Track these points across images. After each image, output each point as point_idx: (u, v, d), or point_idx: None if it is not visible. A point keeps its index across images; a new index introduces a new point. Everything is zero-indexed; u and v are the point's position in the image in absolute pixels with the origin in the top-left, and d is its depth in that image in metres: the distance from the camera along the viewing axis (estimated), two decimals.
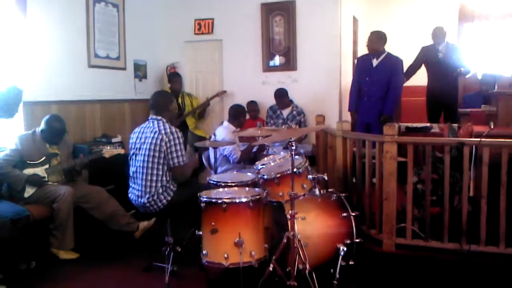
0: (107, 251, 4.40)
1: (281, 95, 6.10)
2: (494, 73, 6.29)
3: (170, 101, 3.92)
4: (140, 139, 3.74)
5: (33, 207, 4.07)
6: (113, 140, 5.45)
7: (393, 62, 5.54)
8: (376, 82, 5.53)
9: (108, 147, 4.50)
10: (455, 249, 3.57)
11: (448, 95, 6.23)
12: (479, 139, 3.46)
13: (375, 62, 5.58)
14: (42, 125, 4.39)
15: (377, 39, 5.57)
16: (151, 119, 3.78)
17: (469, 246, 3.49)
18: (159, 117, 3.76)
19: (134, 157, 3.78)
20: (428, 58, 6.30)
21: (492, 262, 3.44)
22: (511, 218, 3.44)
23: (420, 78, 6.56)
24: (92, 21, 5.60)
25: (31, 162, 4.30)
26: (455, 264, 3.49)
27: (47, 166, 4.36)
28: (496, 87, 5.13)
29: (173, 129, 3.71)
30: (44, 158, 4.36)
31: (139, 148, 3.72)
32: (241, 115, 5.18)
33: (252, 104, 6.40)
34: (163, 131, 3.65)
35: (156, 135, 3.64)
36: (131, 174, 3.82)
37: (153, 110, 3.81)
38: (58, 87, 5.15)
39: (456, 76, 6.20)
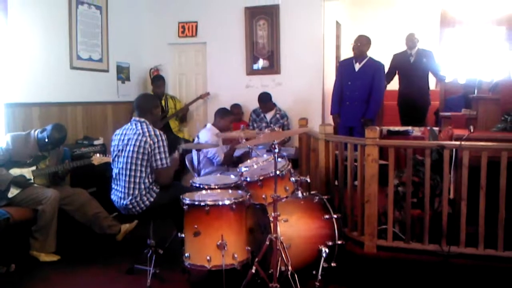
0: (88, 254, 4.35)
1: (265, 99, 6.12)
2: (476, 78, 6.38)
3: (155, 105, 3.92)
4: (123, 141, 3.72)
5: (14, 209, 4.03)
6: (95, 142, 5.42)
7: (375, 66, 5.60)
8: (358, 86, 5.58)
9: (98, 154, 4.46)
10: (435, 251, 3.61)
11: (419, 99, 6.37)
12: (459, 143, 3.51)
13: (357, 66, 5.64)
14: (45, 132, 4.35)
15: (366, 42, 5.63)
16: (133, 120, 3.76)
17: (449, 247, 3.54)
18: (142, 119, 3.74)
19: (116, 158, 3.76)
20: (400, 63, 6.44)
21: (471, 263, 3.49)
22: (490, 220, 3.49)
23: None
24: (75, 22, 5.56)
25: (19, 163, 4.26)
26: (435, 266, 3.54)
27: (34, 168, 4.32)
28: (476, 91, 5.21)
29: (157, 131, 3.70)
30: (32, 159, 4.32)
31: (122, 150, 3.70)
32: (224, 117, 5.12)
33: (236, 107, 6.40)
34: (147, 134, 3.64)
35: (140, 137, 3.62)
36: (113, 176, 3.80)
37: (137, 111, 3.80)
38: (40, 89, 5.10)
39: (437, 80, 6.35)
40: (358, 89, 5.59)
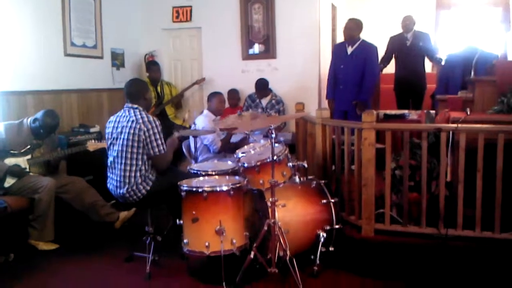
0: (87, 242, 4.36)
1: (263, 86, 6.09)
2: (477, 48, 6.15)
3: (146, 89, 3.84)
4: (117, 128, 3.68)
5: (11, 198, 4.02)
6: (91, 130, 5.39)
7: (367, 49, 5.56)
8: (351, 70, 5.55)
9: (93, 141, 4.44)
10: (432, 234, 3.63)
11: (415, 82, 6.40)
12: (456, 125, 3.51)
13: (350, 49, 5.60)
14: (37, 120, 4.32)
15: (355, 26, 5.59)
16: (126, 107, 3.72)
17: (447, 230, 3.56)
18: (135, 106, 3.70)
19: (111, 146, 3.73)
20: (396, 46, 6.42)
21: (468, 245, 3.51)
22: (487, 202, 3.50)
23: None
24: (68, 9, 5.49)
25: (14, 152, 4.24)
26: (433, 248, 3.56)
27: (29, 156, 4.30)
28: (475, 59, 5.04)
29: (151, 118, 3.66)
30: (27, 148, 4.30)
31: (116, 138, 3.67)
32: (212, 98, 5.08)
33: (233, 92, 6.38)
34: (140, 120, 3.60)
35: (133, 124, 3.59)
36: (108, 164, 3.77)
37: (128, 99, 3.75)
38: (34, 76, 5.05)
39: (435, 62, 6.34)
40: (351, 72, 5.56)
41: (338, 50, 5.78)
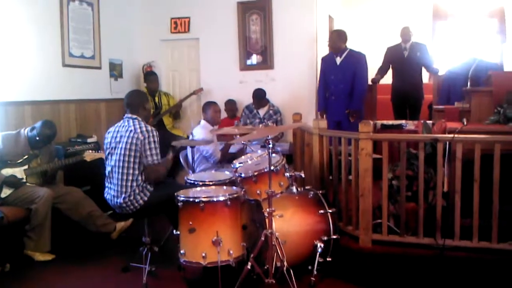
0: (83, 252, 4.34)
1: (260, 96, 6.12)
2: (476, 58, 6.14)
3: (146, 100, 3.89)
4: (115, 138, 3.70)
5: (8, 208, 4.02)
6: (89, 140, 5.38)
7: (355, 57, 5.58)
8: (341, 80, 5.56)
9: (90, 151, 4.44)
10: (430, 244, 3.62)
11: (413, 93, 6.42)
12: (452, 135, 3.51)
13: (338, 60, 5.62)
14: (35, 130, 4.33)
15: (338, 37, 5.62)
16: (126, 117, 3.74)
17: (444, 240, 3.55)
18: (135, 116, 3.72)
19: (109, 156, 3.74)
20: (394, 57, 6.45)
21: (466, 256, 3.50)
22: (484, 212, 3.50)
23: None
24: (66, 19, 5.52)
25: (11, 162, 4.23)
26: (430, 259, 3.55)
27: (26, 167, 4.30)
28: (473, 68, 5.06)
29: (149, 127, 3.67)
30: (24, 158, 4.29)
31: (115, 147, 3.68)
32: (207, 109, 5.09)
33: (230, 103, 6.40)
34: (138, 130, 3.61)
35: (132, 134, 3.60)
36: (106, 174, 3.77)
37: (128, 109, 3.78)
38: (32, 87, 5.07)
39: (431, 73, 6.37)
40: (342, 82, 5.57)
41: (327, 62, 5.79)
